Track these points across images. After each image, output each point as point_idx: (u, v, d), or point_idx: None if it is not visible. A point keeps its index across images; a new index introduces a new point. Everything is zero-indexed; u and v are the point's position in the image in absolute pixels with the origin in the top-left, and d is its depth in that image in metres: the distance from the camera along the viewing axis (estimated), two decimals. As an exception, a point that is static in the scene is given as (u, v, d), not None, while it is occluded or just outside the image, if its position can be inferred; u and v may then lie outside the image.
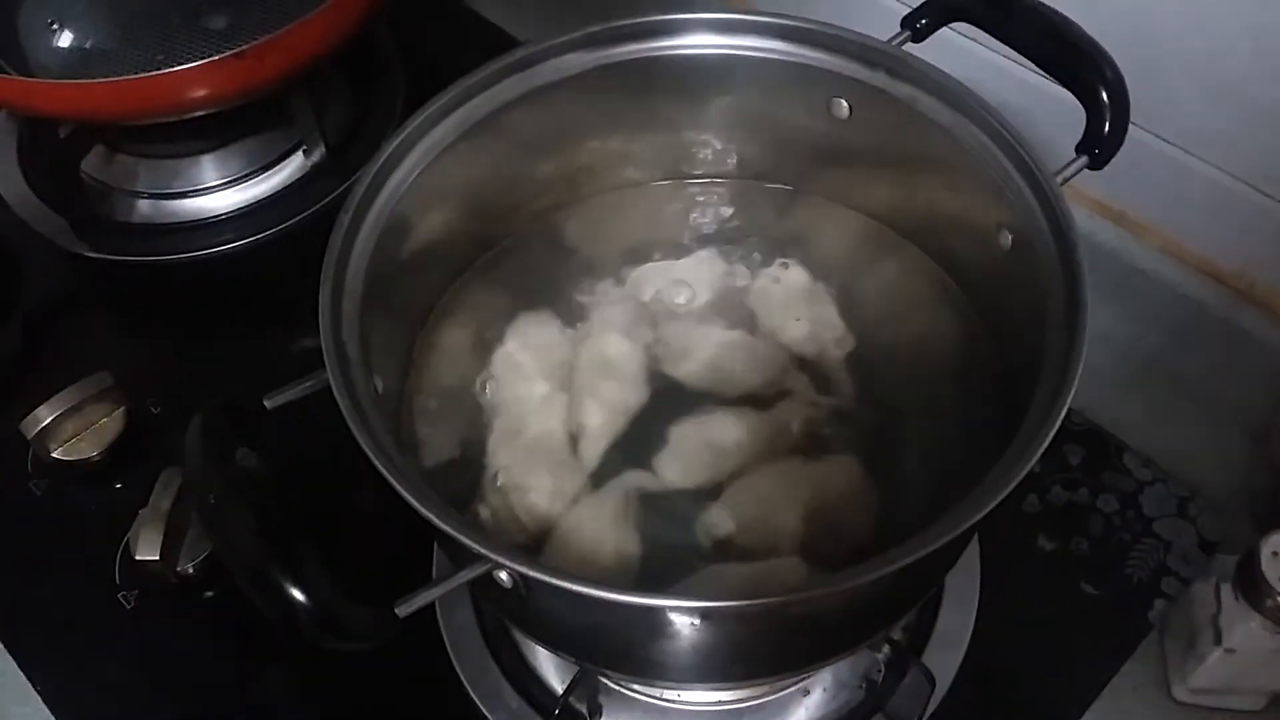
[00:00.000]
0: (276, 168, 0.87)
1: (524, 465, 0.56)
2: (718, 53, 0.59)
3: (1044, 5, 0.54)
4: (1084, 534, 0.67)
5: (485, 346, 0.61)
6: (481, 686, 0.62)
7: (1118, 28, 0.56)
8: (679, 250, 0.64)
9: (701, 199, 0.66)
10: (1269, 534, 0.54)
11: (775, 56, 0.58)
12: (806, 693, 0.61)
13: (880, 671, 0.59)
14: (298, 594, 0.38)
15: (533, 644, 0.62)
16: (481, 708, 0.61)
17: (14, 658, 0.65)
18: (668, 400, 0.59)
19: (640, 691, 0.61)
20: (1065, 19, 0.53)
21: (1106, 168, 0.52)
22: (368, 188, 0.53)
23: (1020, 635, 0.63)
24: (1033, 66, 0.55)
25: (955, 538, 0.40)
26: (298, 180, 0.87)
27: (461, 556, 0.42)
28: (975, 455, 0.47)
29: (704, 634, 0.45)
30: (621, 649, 0.49)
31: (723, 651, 0.48)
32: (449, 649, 0.63)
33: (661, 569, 0.53)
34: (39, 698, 0.64)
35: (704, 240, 0.65)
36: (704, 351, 0.60)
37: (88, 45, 0.91)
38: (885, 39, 0.57)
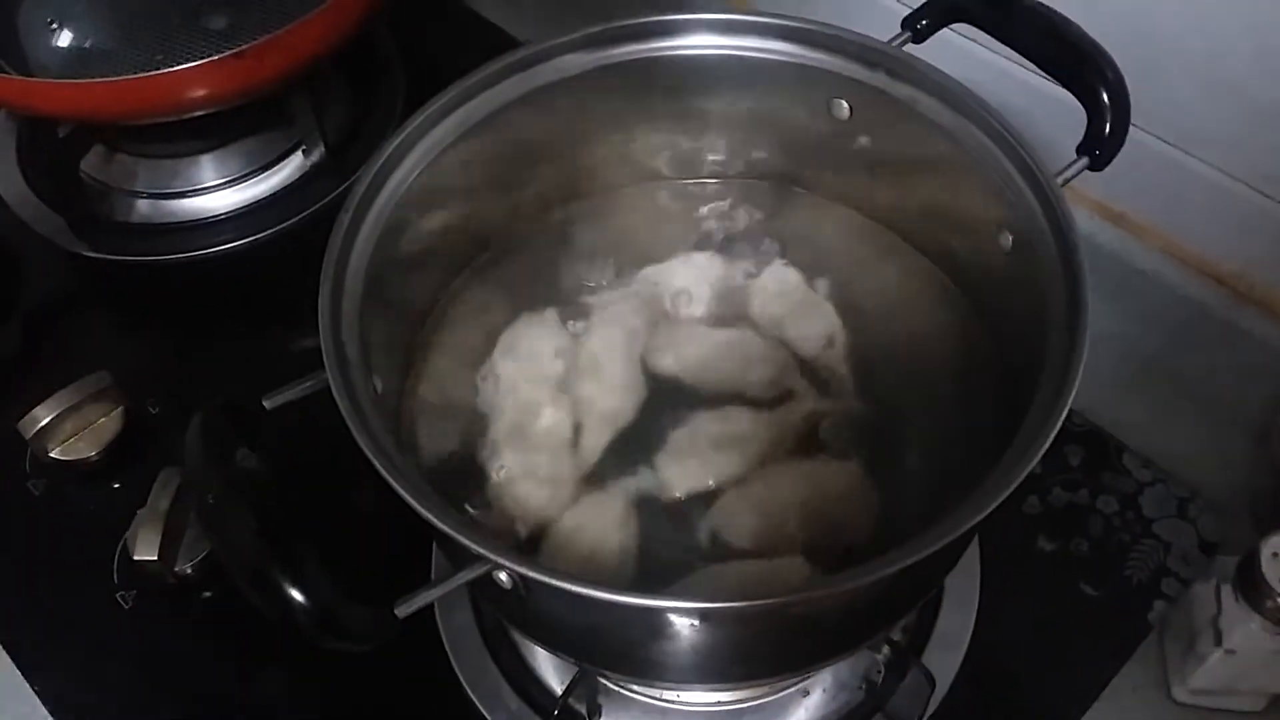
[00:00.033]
0: (276, 168, 0.87)
1: (524, 465, 0.56)
2: (718, 53, 0.59)
3: (1044, 6, 0.54)
4: (1084, 535, 0.67)
5: (485, 346, 0.60)
6: (480, 687, 0.62)
7: (1118, 28, 0.56)
8: (679, 250, 0.64)
9: (701, 199, 0.66)
10: (1269, 535, 0.54)
11: (775, 57, 0.58)
12: (806, 693, 0.61)
13: (880, 672, 0.59)
14: (297, 594, 0.38)
15: (532, 644, 0.62)
16: (480, 708, 0.61)
17: (11, 657, 0.65)
18: (667, 400, 0.59)
19: (639, 692, 0.61)
20: (1066, 20, 0.53)
21: (1107, 169, 0.52)
22: (367, 188, 0.53)
23: (1020, 636, 0.63)
24: (1033, 67, 0.55)
25: (956, 539, 0.40)
26: (297, 180, 0.87)
27: (461, 557, 0.42)
28: (975, 455, 0.47)
29: (703, 635, 0.45)
30: (621, 650, 0.49)
31: (722, 652, 0.48)
32: (448, 649, 0.63)
33: (661, 569, 0.53)
34: (36, 697, 0.63)
35: (704, 240, 0.65)
36: (704, 351, 0.60)
37: (87, 45, 0.91)
38: (886, 40, 0.57)
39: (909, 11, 0.58)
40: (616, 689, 0.61)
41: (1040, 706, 0.62)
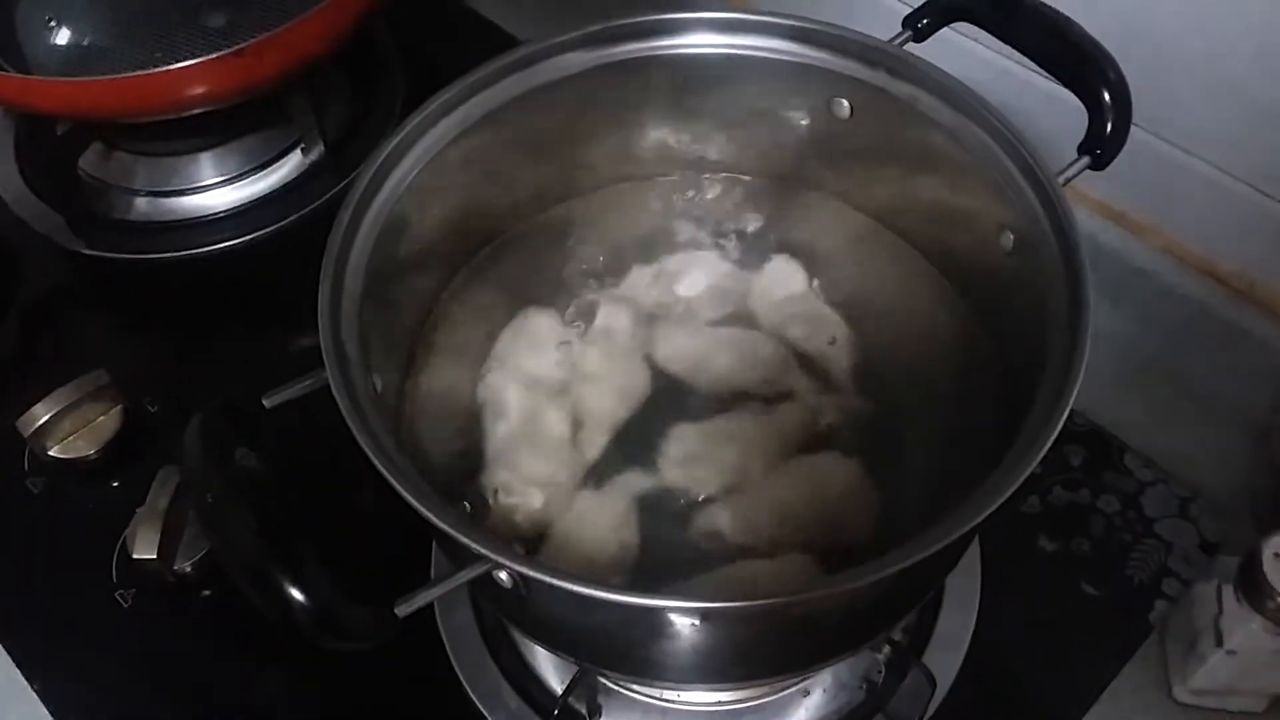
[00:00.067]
0: (275, 165, 0.87)
1: (524, 464, 0.56)
2: (718, 52, 0.59)
3: (1046, 5, 0.54)
4: (1085, 535, 0.67)
5: (485, 345, 0.60)
6: (480, 686, 0.62)
7: (1118, 28, 0.56)
8: (679, 249, 0.64)
9: (702, 198, 0.66)
10: (1270, 535, 0.54)
11: (776, 56, 0.58)
12: (807, 693, 0.61)
13: (881, 672, 0.59)
14: (297, 594, 0.38)
15: (532, 644, 0.62)
16: (480, 708, 0.61)
17: (10, 656, 0.65)
18: (668, 399, 0.59)
19: (640, 692, 0.61)
20: (1067, 19, 0.53)
21: (1108, 168, 0.52)
22: (367, 186, 0.53)
23: (1021, 636, 0.63)
24: (1034, 67, 0.55)
25: (956, 539, 0.40)
26: (296, 178, 0.87)
27: (461, 556, 0.42)
28: (976, 454, 0.47)
29: (704, 634, 0.45)
30: (621, 649, 0.49)
31: (723, 652, 0.48)
32: (448, 649, 0.63)
33: (661, 569, 0.53)
34: (36, 696, 0.63)
35: (704, 239, 0.65)
36: (704, 350, 0.60)
37: (86, 43, 0.91)
38: (886, 39, 0.56)
39: (910, 10, 0.58)
40: (616, 688, 0.61)
41: (1041, 707, 0.61)
